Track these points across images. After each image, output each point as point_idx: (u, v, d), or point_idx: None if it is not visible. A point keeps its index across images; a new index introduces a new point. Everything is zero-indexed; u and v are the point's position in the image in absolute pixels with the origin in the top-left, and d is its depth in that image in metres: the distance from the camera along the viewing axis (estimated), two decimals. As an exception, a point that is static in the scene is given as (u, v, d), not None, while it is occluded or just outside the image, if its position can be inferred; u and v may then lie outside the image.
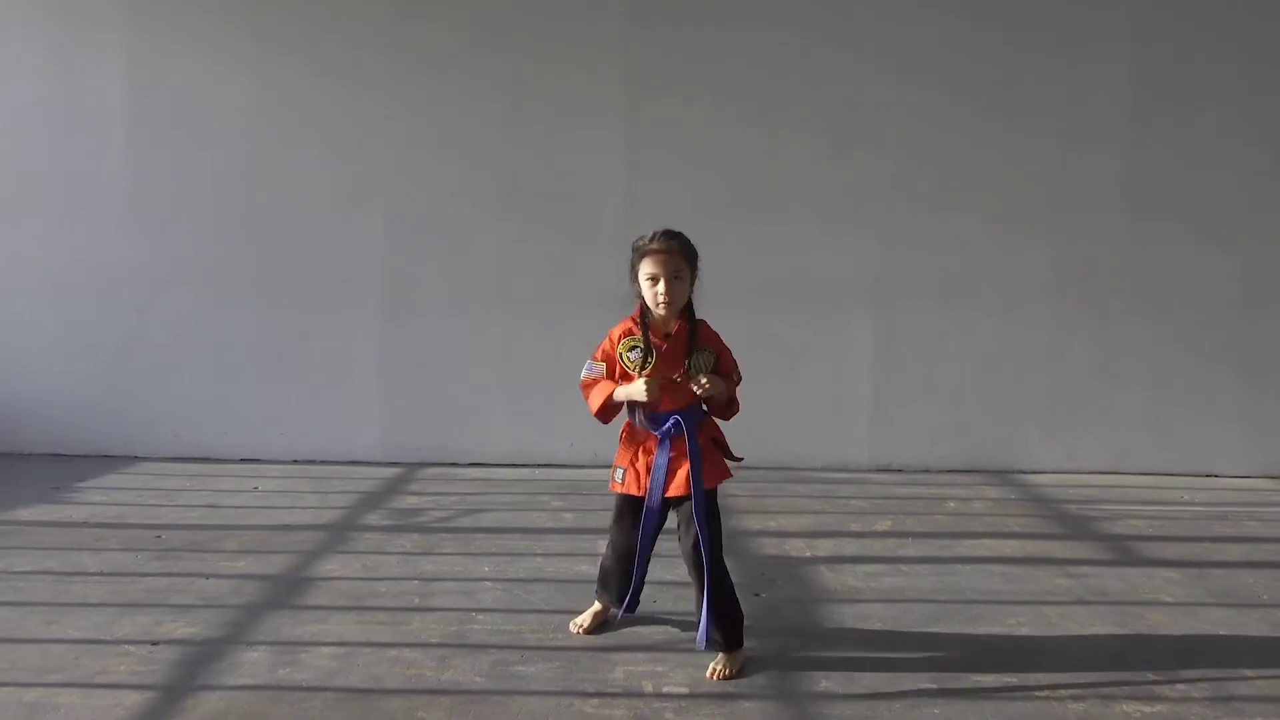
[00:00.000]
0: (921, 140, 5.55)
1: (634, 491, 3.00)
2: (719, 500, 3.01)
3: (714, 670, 2.85)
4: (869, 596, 3.55)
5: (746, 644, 2.96)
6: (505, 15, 5.51)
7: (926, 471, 5.59)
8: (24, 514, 4.46)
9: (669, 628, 3.19)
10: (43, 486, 4.93)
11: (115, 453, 5.60)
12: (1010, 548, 4.17)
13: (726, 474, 3.01)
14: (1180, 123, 5.52)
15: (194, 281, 5.60)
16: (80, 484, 5.02)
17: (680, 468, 2.92)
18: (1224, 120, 5.52)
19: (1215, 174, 5.53)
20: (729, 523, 4.22)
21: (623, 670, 2.88)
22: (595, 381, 3.02)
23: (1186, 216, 5.55)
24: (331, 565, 3.81)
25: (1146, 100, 5.53)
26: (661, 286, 2.88)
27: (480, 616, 3.29)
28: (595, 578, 3.26)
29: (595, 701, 2.68)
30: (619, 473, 3.04)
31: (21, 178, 5.58)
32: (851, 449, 5.64)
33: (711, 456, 2.98)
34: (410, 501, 4.82)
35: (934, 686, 2.80)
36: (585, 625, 3.16)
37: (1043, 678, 2.86)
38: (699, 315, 3.02)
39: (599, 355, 3.04)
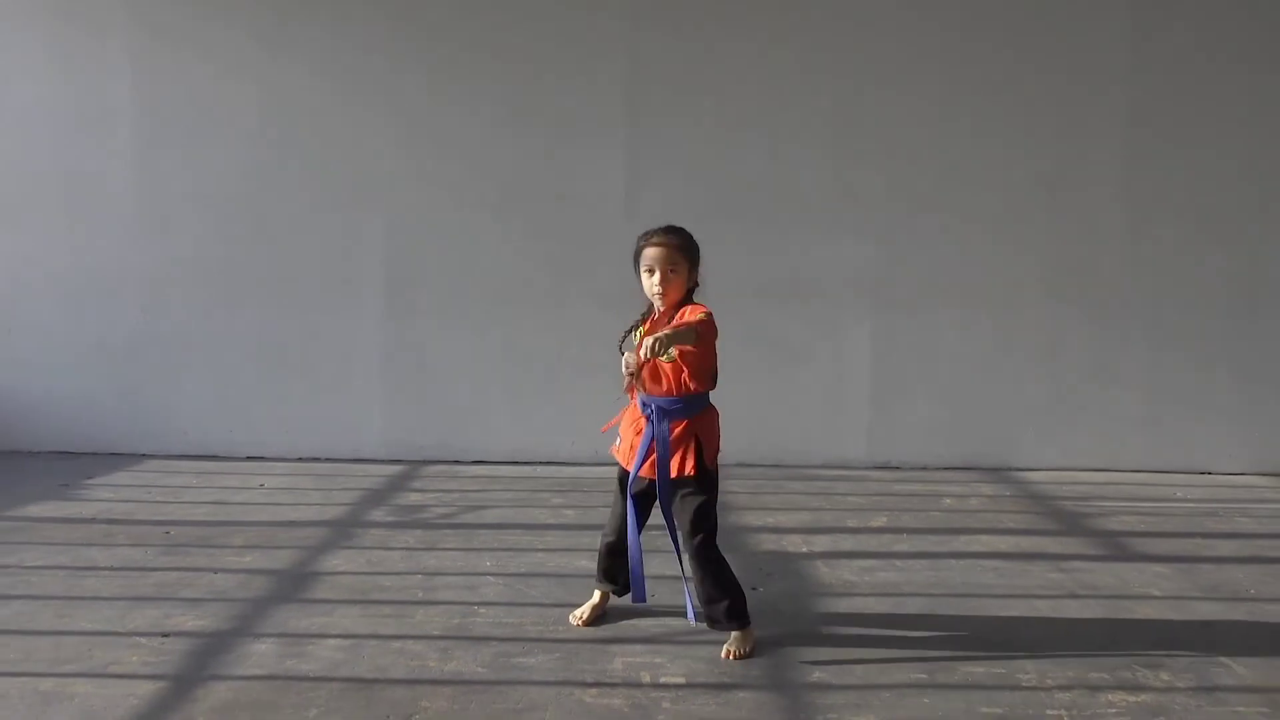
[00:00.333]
0: (920, 140, 5.61)
1: (622, 462, 3.13)
2: (718, 486, 3.06)
3: (727, 651, 2.98)
4: (863, 590, 3.62)
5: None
6: (506, 17, 5.57)
7: (924, 469, 5.65)
8: (35, 510, 4.54)
9: (667, 620, 3.26)
10: (52, 483, 5.01)
11: (123, 450, 5.69)
12: (1004, 543, 4.23)
13: (692, 470, 2.96)
14: (1177, 123, 5.57)
15: (200, 282, 5.68)
16: (89, 481, 5.10)
17: (653, 452, 3.00)
18: (1221, 121, 5.57)
19: (1211, 175, 5.59)
20: (729, 519, 4.31)
21: (621, 661, 2.95)
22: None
23: (1182, 217, 5.61)
24: (337, 560, 3.88)
25: (1144, 101, 5.58)
26: (656, 277, 2.98)
27: (482, 609, 3.36)
28: (594, 573, 3.34)
29: (594, 691, 2.75)
30: (617, 438, 3.16)
31: (30, 179, 5.66)
32: (850, 447, 5.71)
33: (684, 448, 2.97)
34: (413, 498, 4.89)
35: (924, 677, 2.86)
36: (584, 617, 3.23)
37: (1031, 668, 2.92)
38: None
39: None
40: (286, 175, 5.65)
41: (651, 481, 3.02)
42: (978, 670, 2.91)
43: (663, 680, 2.83)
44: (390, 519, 4.52)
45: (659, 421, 2.98)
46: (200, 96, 5.63)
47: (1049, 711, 2.65)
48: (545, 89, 5.60)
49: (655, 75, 5.60)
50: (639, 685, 2.79)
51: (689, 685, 2.80)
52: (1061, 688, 2.80)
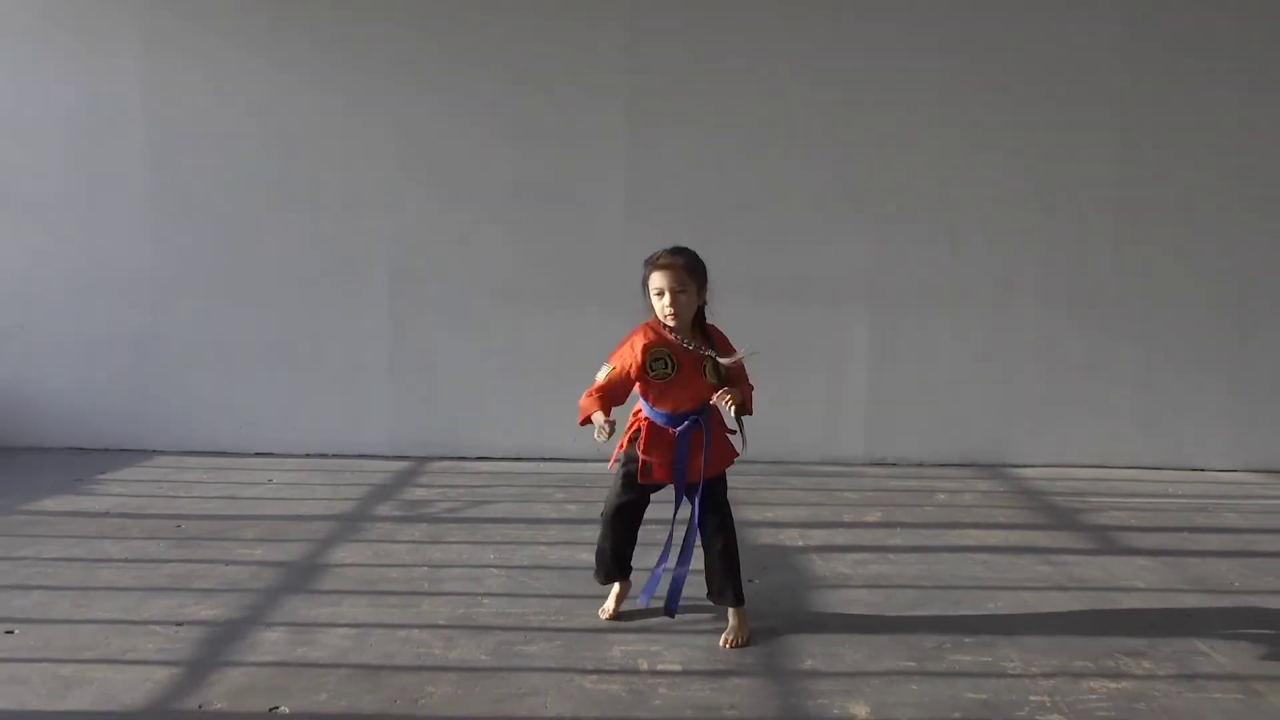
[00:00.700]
0: (916, 144, 5.70)
1: (664, 478, 3.20)
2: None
3: (725, 639, 3.09)
4: (856, 583, 3.71)
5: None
6: (509, 21, 5.66)
7: (920, 465, 5.75)
8: (49, 505, 4.65)
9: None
10: (65, 479, 5.12)
11: (134, 447, 5.80)
12: (995, 538, 4.33)
13: (733, 458, 3.28)
14: (1172, 124, 5.65)
15: (209, 282, 5.79)
16: (101, 476, 5.21)
17: (698, 457, 3.14)
18: (1215, 121, 5.65)
19: (1204, 175, 5.67)
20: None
21: (620, 650, 3.05)
22: (599, 389, 3.14)
23: (1174, 218, 5.69)
24: (344, 553, 3.99)
25: (1139, 101, 5.66)
26: (667, 299, 3.07)
27: (486, 600, 3.46)
28: (596, 572, 3.38)
29: (594, 678, 2.85)
30: (648, 466, 3.17)
31: (44, 182, 5.78)
32: (847, 443, 5.81)
33: (721, 443, 3.22)
34: (419, 493, 5.00)
35: (913, 665, 2.96)
36: (611, 610, 3.31)
37: (1016, 657, 3.02)
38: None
39: (613, 359, 3.15)
40: (295, 178, 5.75)
41: (693, 484, 3.16)
42: (964, 659, 3.01)
43: (660, 667, 2.93)
44: (396, 513, 4.62)
45: (707, 426, 3.14)
46: (208, 104, 5.74)
47: (1031, 698, 2.75)
48: (548, 91, 5.69)
49: (656, 77, 5.68)
50: (637, 672, 2.89)
51: (685, 672, 2.90)
52: (1045, 675, 2.89)
